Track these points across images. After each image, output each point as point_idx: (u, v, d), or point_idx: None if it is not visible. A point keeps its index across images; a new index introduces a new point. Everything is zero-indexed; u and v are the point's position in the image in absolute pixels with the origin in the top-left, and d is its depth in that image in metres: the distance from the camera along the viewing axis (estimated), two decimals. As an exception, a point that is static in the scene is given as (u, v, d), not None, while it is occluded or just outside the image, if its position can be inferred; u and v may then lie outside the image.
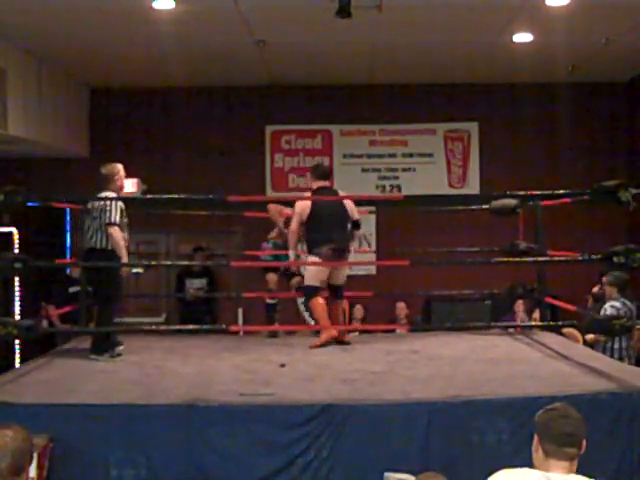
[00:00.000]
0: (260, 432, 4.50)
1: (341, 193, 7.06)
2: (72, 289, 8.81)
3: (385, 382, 5.24)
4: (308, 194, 7.05)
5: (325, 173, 7.17)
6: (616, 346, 7.10)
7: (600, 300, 7.87)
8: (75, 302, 7.58)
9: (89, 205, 6.36)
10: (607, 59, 9.96)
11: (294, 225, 6.89)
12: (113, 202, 6.24)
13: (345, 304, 7.00)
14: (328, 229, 6.73)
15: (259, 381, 5.28)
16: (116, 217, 6.20)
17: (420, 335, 7.42)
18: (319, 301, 6.79)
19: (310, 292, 6.85)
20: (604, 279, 7.61)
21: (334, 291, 7.00)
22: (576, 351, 6.43)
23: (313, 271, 6.83)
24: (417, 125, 11.56)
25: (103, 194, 6.35)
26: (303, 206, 6.85)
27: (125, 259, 6.26)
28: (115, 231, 6.18)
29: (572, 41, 9.05)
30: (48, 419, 4.46)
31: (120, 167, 6.56)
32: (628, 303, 7.26)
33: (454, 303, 10.04)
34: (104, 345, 6.24)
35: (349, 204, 6.97)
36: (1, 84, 8.54)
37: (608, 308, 7.17)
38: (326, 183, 7.05)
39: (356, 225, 7.03)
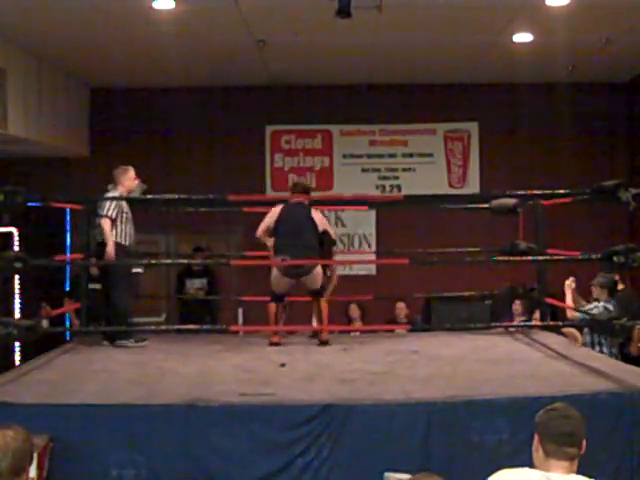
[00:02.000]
0: (260, 432, 4.50)
1: (314, 213, 7.09)
2: (91, 286, 8.82)
3: (385, 382, 5.24)
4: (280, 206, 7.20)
5: (300, 188, 7.29)
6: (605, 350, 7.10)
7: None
8: (93, 299, 7.65)
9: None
10: (607, 59, 9.96)
11: (259, 230, 7.12)
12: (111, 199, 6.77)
13: (323, 303, 7.06)
14: (287, 240, 6.86)
15: (259, 381, 5.28)
16: (109, 210, 6.74)
17: (420, 335, 7.42)
18: (271, 307, 7.02)
19: (270, 297, 7.06)
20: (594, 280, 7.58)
21: (311, 294, 7.14)
22: (576, 351, 6.43)
23: (273, 280, 7.02)
24: (417, 125, 11.57)
25: (108, 194, 6.87)
26: (272, 213, 7.07)
27: (110, 250, 6.71)
28: (105, 223, 6.73)
29: (572, 41, 9.05)
30: (48, 419, 4.46)
31: (130, 170, 7.02)
32: (616, 306, 7.25)
33: (454, 303, 10.03)
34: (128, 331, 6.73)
35: (319, 219, 7.07)
36: (1, 84, 8.54)
37: (601, 308, 7.15)
38: (301, 198, 7.13)
39: (331, 242, 7.23)
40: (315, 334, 7.24)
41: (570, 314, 7.28)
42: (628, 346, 7.78)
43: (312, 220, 7.01)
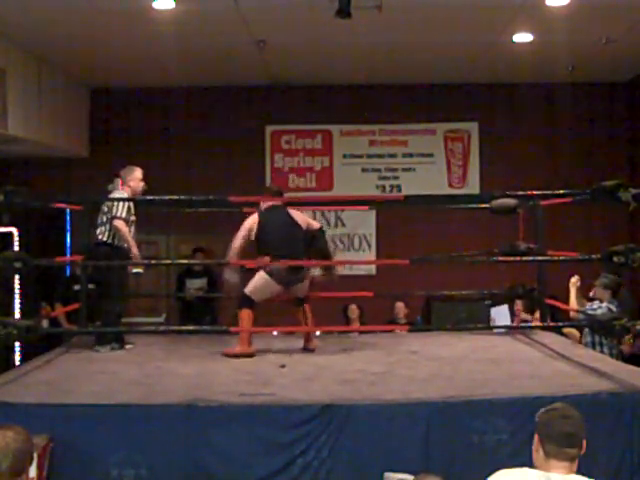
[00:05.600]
0: (260, 432, 4.50)
1: (293, 212, 6.70)
2: (77, 287, 8.83)
3: (385, 382, 5.24)
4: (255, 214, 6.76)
5: (275, 192, 6.93)
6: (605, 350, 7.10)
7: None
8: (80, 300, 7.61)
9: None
10: (607, 59, 9.96)
11: (236, 242, 6.59)
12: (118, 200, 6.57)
13: (307, 308, 6.72)
14: (280, 248, 6.45)
15: (259, 381, 5.28)
16: (122, 212, 6.54)
17: (420, 335, 7.42)
18: (248, 314, 6.48)
19: (244, 302, 6.52)
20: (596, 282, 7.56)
21: (295, 300, 6.74)
22: (576, 351, 6.43)
23: (258, 286, 6.54)
24: (417, 125, 11.57)
25: (113, 194, 6.69)
26: (251, 223, 6.61)
27: (135, 250, 6.57)
28: (121, 224, 6.51)
29: (572, 41, 9.06)
30: (48, 419, 4.46)
31: (137, 170, 6.83)
32: (618, 307, 7.23)
33: (454, 303, 10.02)
34: (107, 337, 6.53)
35: (300, 217, 6.70)
36: (1, 84, 8.54)
37: (605, 309, 7.14)
38: (276, 201, 6.75)
39: (321, 232, 6.82)
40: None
41: (573, 314, 7.28)
42: (621, 344, 7.78)
43: (296, 223, 6.62)
